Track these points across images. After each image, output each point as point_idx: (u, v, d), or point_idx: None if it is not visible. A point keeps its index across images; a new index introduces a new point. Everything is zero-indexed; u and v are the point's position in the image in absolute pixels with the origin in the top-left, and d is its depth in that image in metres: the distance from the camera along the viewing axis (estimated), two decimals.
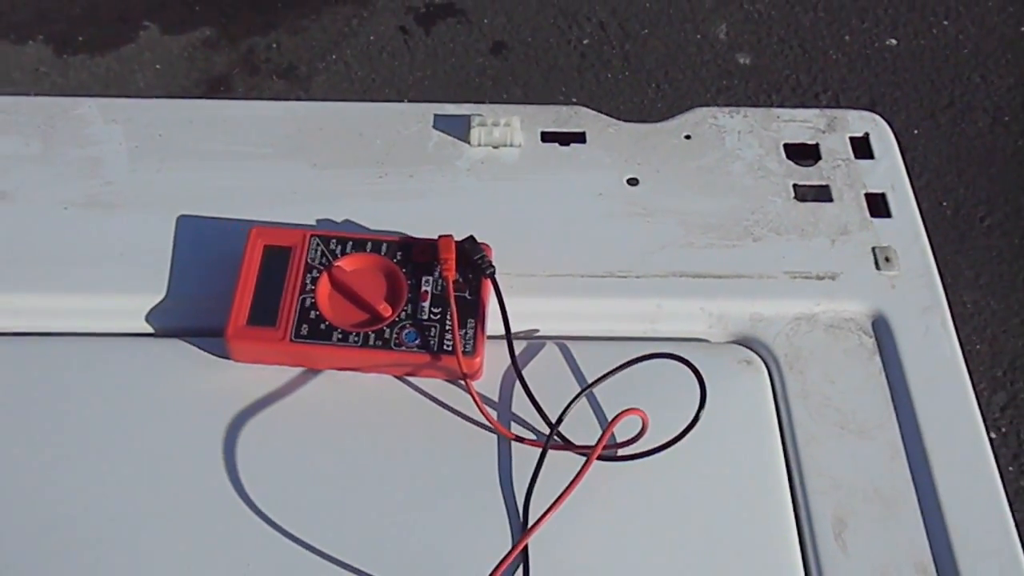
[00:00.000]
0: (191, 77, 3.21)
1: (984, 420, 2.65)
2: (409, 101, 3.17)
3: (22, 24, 3.32)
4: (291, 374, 0.89)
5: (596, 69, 3.28)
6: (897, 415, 0.91)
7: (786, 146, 1.08)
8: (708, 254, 0.99)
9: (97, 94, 3.08)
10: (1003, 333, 2.76)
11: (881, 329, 0.96)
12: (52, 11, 3.36)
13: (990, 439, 2.77)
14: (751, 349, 0.95)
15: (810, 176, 1.06)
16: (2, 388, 0.88)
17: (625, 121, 1.10)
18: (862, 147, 1.09)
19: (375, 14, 3.41)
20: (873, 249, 1.00)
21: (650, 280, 0.97)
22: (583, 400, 0.88)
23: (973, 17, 3.47)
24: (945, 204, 3.00)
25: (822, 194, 1.04)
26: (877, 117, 1.11)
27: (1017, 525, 2.54)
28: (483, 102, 3.29)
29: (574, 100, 3.18)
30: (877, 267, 0.99)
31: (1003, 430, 2.61)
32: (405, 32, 3.36)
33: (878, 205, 1.04)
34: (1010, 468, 2.55)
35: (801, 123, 1.10)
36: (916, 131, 3.17)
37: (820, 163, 1.07)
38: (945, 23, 3.46)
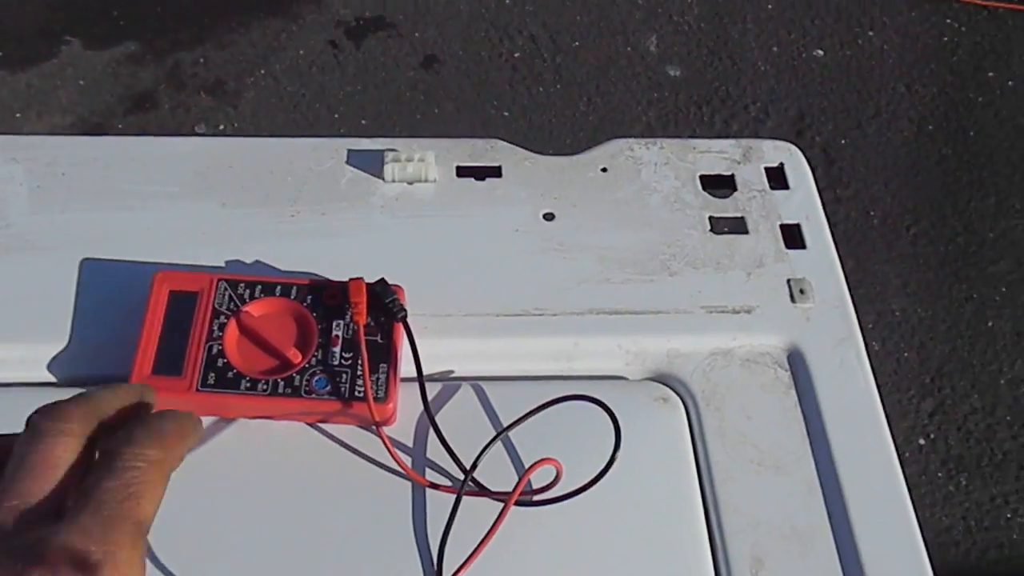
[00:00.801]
0: (115, 93, 3.15)
1: (913, 426, 2.69)
2: (339, 116, 3.14)
3: None
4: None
5: (528, 82, 3.28)
6: (813, 450, 0.91)
7: (702, 177, 1.08)
8: (625, 290, 0.98)
9: (18, 112, 3.02)
10: (930, 340, 2.81)
11: (797, 363, 0.96)
12: None
13: (919, 445, 2.82)
14: (668, 386, 0.94)
15: (726, 208, 1.06)
16: None
17: (543, 153, 1.09)
18: (777, 177, 1.09)
19: (304, 28, 3.38)
20: (788, 281, 1.01)
21: (567, 318, 0.96)
22: (499, 444, 0.87)
23: (897, 28, 3.53)
24: (872, 214, 3.04)
25: (738, 226, 1.05)
26: (792, 147, 1.11)
27: (947, 530, 2.57)
28: (415, 117, 3.26)
29: (506, 114, 3.17)
30: (792, 300, 0.99)
31: (931, 436, 2.65)
32: (335, 46, 3.33)
33: (793, 236, 1.04)
34: (939, 474, 2.59)
35: (717, 154, 1.10)
36: (843, 141, 3.21)
37: (736, 194, 1.07)
38: (870, 34, 3.51)
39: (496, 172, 1.06)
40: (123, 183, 1.02)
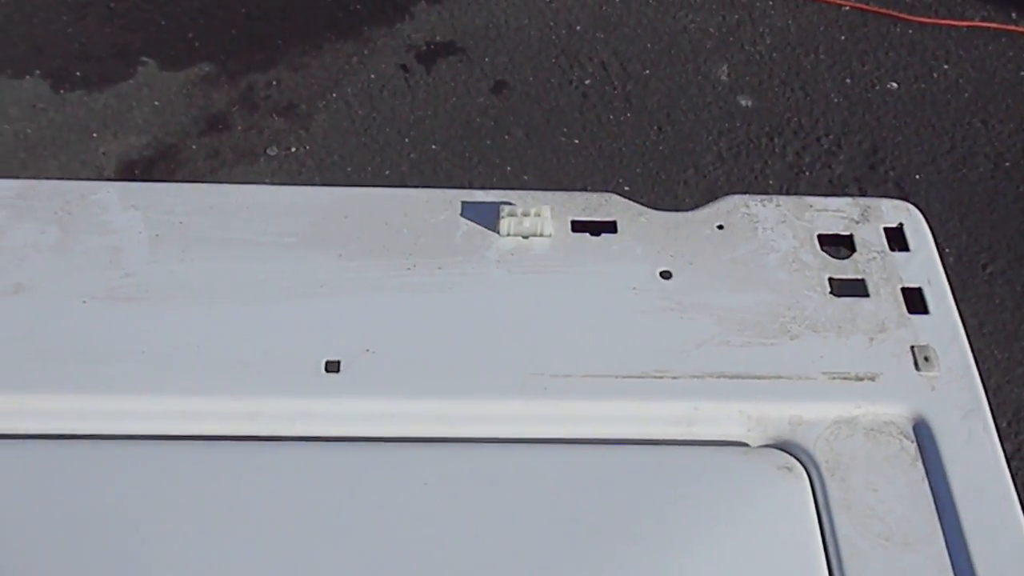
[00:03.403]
0: (189, 114, 3.19)
1: None
2: (410, 141, 3.15)
3: (18, 58, 3.29)
4: None
5: (598, 110, 3.27)
6: (943, 527, 0.88)
7: (820, 237, 1.06)
8: (745, 353, 0.97)
9: (94, 132, 3.06)
10: (1007, 383, 2.75)
11: (923, 433, 0.94)
12: (48, 46, 3.33)
13: None
14: (791, 454, 0.92)
15: (845, 269, 1.04)
16: (17, 493, 0.85)
17: (654, 208, 1.08)
18: (896, 238, 1.07)
19: (376, 52, 3.39)
20: (912, 348, 0.98)
21: (687, 381, 0.94)
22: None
23: (973, 61, 3.48)
24: (948, 251, 2.99)
25: (858, 289, 1.02)
26: (911, 207, 1.09)
27: None
28: (485, 143, 3.26)
29: (576, 141, 3.16)
30: (917, 367, 0.97)
31: None
32: (406, 70, 3.34)
33: (915, 300, 1.02)
34: None
35: (834, 213, 1.08)
36: (918, 176, 3.17)
37: (855, 255, 1.05)
38: (945, 67, 3.46)
39: (611, 227, 1.05)
40: (240, 232, 1.02)
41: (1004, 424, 2.68)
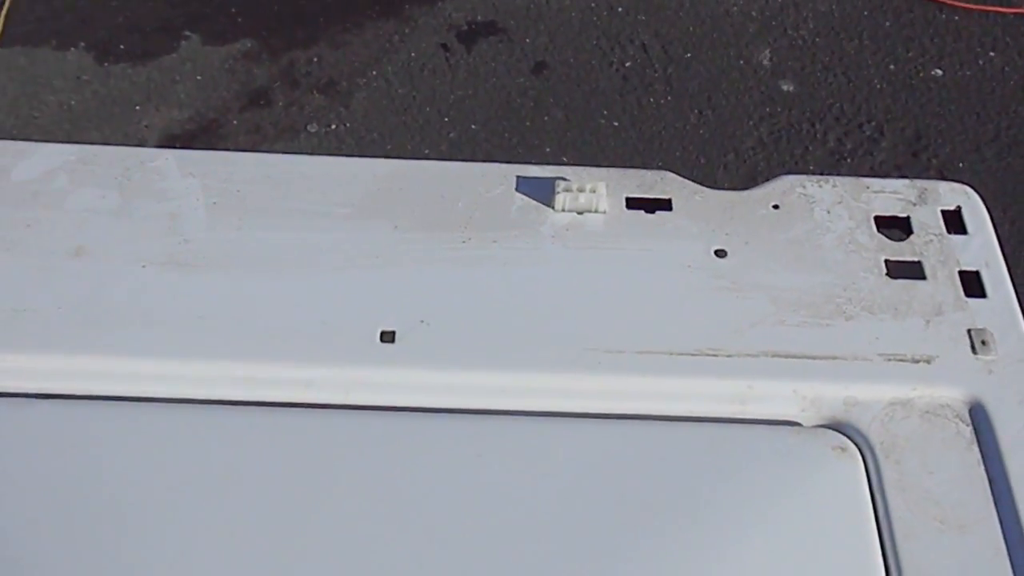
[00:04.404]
0: (231, 89, 3.20)
1: None
2: (449, 120, 3.15)
3: (63, 31, 3.32)
4: None
5: (638, 92, 3.25)
6: (998, 510, 0.88)
7: (876, 218, 1.06)
8: (800, 333, 0.96)
9: (137, 104, 3.08)
10: None
11: (979, 417, 0.93)
12: (94, 18, 3.35)
13: None
14: (845, 435, 0.92)
15: (902, 251, 1.03)
16: (72, 454, 0.86)
17: (710, 187, 1.07)
18: (954, 221, 1.06)
19: (416, 30, 3.39)
20: (969, 331, 0.98)
21: (741, 359, 0.94)
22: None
23: (1020, 48, 3.43)
24: None
25: (915, 271, 1.02)
26: (969, 190, 1.08)
27: None
28: (524, 124, 3.24)
29: (616, 124, 3.15)
30: (973, 351, 0.96)
31: None
32: (446, 49, 3.34)
33: (972, 284, 1.01)
34: None
35: (891, 194, 1.07)
36: (961, 164, 3.13)
37: (912, 238, 1.04)
38: (992, 54, 3.42)
39: (666, 205, 1.05)
40: (297, 201, 1.03)
41: None
